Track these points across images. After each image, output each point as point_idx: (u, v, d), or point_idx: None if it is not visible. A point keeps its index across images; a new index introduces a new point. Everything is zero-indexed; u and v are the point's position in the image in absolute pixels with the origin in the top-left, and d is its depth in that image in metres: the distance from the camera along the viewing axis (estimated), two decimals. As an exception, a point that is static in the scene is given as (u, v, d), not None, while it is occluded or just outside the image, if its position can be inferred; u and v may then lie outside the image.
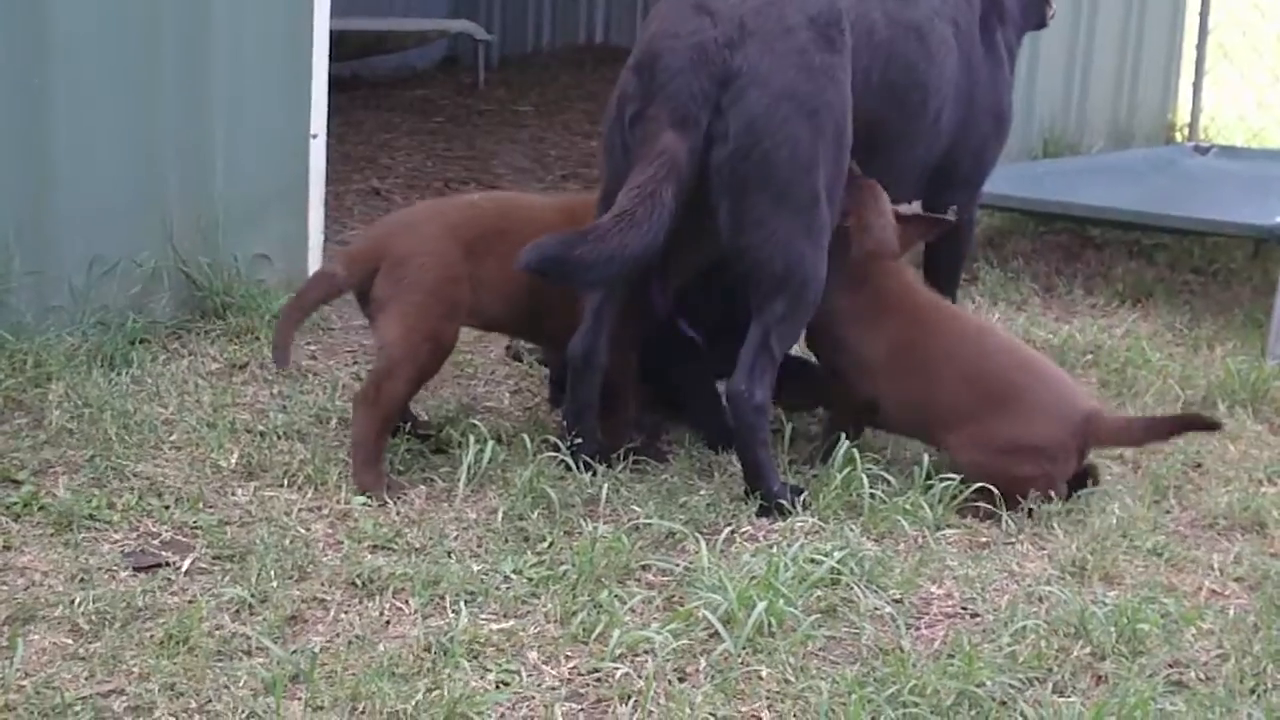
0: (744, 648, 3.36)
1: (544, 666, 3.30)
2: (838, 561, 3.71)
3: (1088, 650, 3.51)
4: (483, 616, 3.49)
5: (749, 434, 4.15)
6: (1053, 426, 4.24)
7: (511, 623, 3.47)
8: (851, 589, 3.66)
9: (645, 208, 3.98)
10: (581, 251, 3.95)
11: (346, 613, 3.49)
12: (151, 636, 3.30)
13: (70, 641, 3.28)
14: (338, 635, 3.38)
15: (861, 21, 4.32)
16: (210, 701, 3.07)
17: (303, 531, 3.86)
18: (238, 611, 3.44)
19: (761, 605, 3.45)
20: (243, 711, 3.04)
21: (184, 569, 3.63)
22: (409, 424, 4.48)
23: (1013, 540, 4.09)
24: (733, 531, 3.97)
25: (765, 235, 4.11)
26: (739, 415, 4.15)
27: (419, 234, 4.43)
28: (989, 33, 4.90)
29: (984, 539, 4.09)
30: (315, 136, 5.56)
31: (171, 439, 4.32)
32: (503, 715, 3.11)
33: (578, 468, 4.22)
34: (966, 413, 4.27)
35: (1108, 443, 4.44)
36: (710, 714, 3.13)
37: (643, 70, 4.15)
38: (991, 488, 4.15)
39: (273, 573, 3.58)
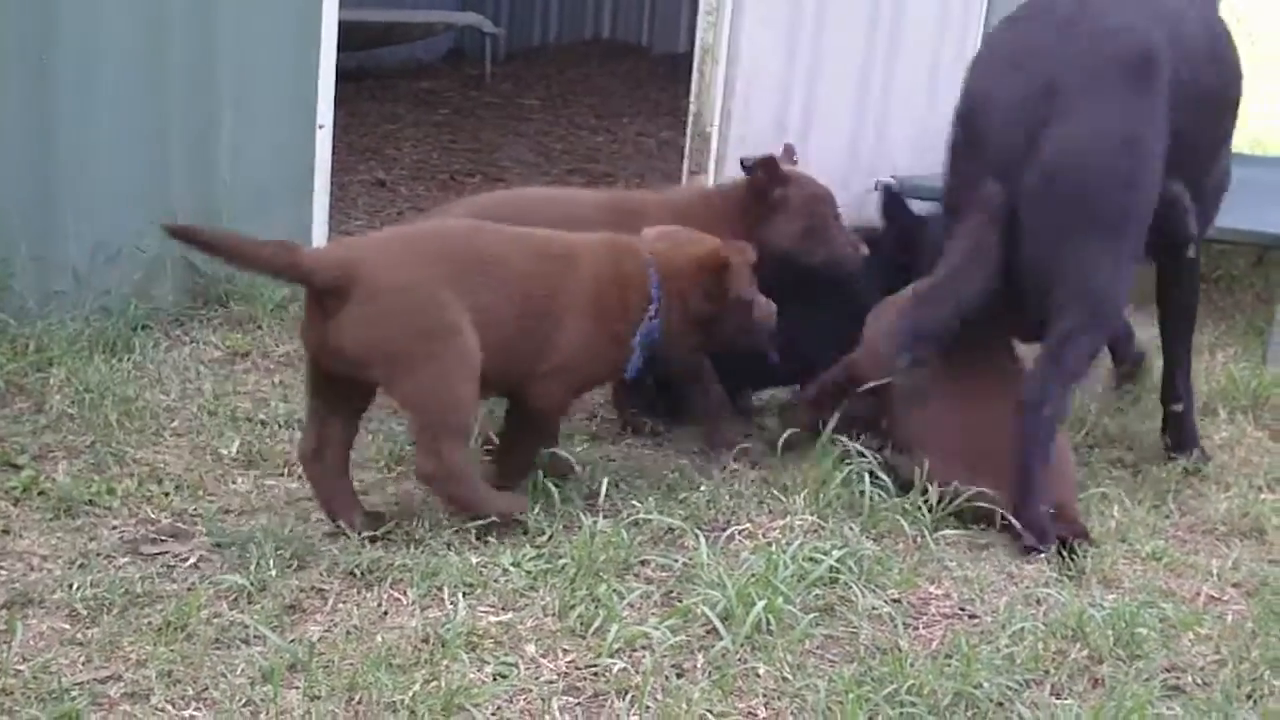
0: (742, 645, 3.36)
1: (542, 660, 3.30)
2: (836, 560, 3.71)
3: (1085, 653, 3.51)
4: (481, 609, 3.49)
5: (1031, 444, 4.16)
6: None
7: (509, 615, 3.47)
8: (850, 588, 3.66)
9: (973, 258, 4.22)
10: (922, 314, 4.24)
11: (345, 603, 3.49)
12: (150, 623, 3.30)
13: (68, 627, 3.28)
14: (336, 625, 3.38)
15: (1177, 48, 4.33)
16: (208, 689, 3.07)
17: (302, 521, 3.86)
18: (236, 599, 3.44)
19: (760, 603, 3.45)
20: (240, 699, 3.04)
21: (183, 556, 3.64)
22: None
23: (1011, 542, 4.08)
24: (732, 529, 3.96)
25: (1068, 253, 4.20)
26: (1027, 426, 4.16)
27: None
28: None
29: (983, 540, 4.09)
30: (322, 127, 5.57)
31: (172, 426, 4.32)
32: (500, 708, 3.11)
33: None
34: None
35: None
36: (707, 710, 3.13)
37: (965, 123, 4.37)
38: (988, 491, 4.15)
39: (272, 561, 3.58)
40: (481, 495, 3.82)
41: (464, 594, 3.52)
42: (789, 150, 4.91)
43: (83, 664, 3.14)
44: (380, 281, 3.65)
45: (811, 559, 3.71)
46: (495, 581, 3.61)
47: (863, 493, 4.12)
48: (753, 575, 3.60)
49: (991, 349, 4.51)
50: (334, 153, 5.74)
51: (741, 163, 4.68)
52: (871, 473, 4.18)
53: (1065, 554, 3.98)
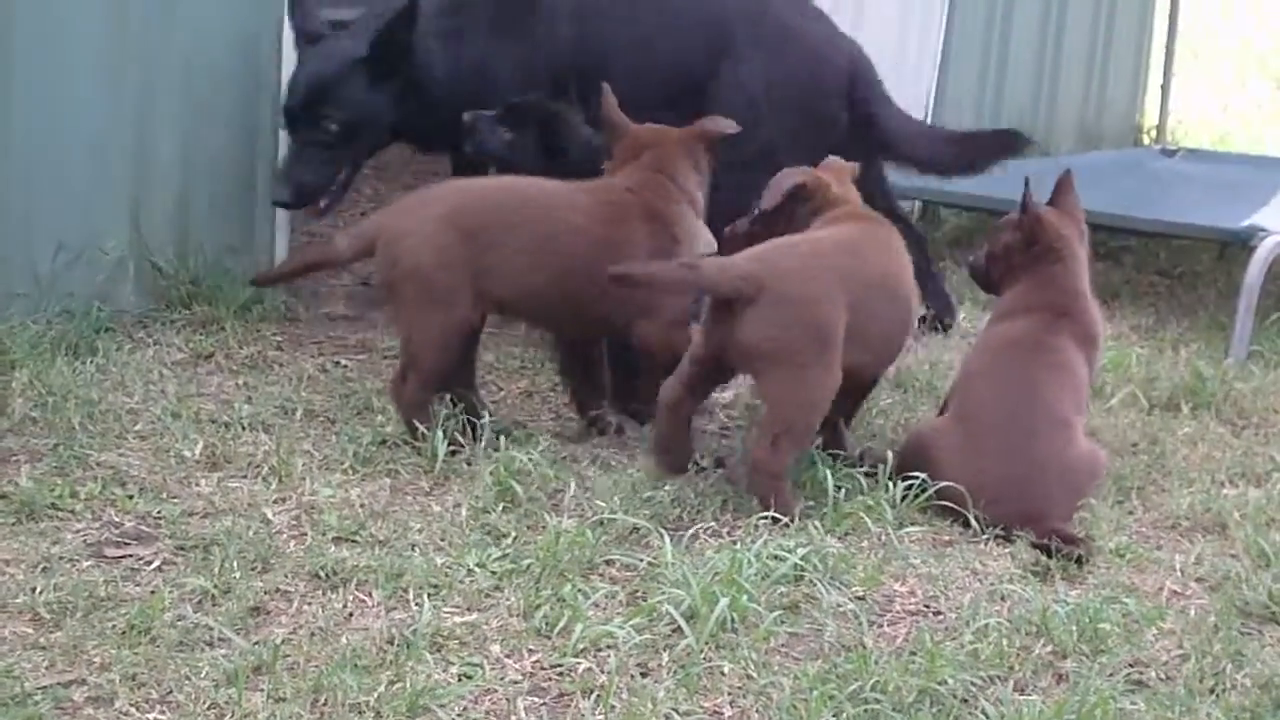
0: (706, 643, 3.37)
1: (507, 660, 3.30)
2: (801, 558, 3.72)
3: (1049, 649, 3.52)
4: (446, 609, 3.49)
5: None
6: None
7: (474, 616, 3.47)
8: (814, 586, 3.67)
9: None
10: None
11: (309, 604, 3.48)
12: (113, 626, 3.29)
13: (31, 631, 3.27)
14: (300, 627, 3.37)
15: None
16: (172, 692, 3.07)
17: (266, 523, 3.85)
18: (200, 602, 3.43)
19: (724, 601, 3.45)
20: (204, 702, 3.03)
21: (147, 559, 3.63)
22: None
23: (976, 539, 4.09)
24: (697, 527, 3.97)
25: None
26: None
27: None
28: None
29: (947, 537, 4.10)
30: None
31: (136, 429, 4.30)
32: (465, 709, 3.11)
33: None
34: None
35: None
36: (672, 709, 3.13)
37: None
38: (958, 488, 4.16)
39: (236, 564, 3.57)
40: (788, 500, 4.05)
41: (429, 595, 3.52)
42: None
43: (46, 668, 3.13)
44: (785, 292, 4.03)
45: (776, 557, 3.71)
46: (460, 582, 3.61)
47: (825, 490, 4.12)
48: (717, 573, 3.60)
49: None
50: (297, 153, 5.70)
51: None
52: (834, 470, 4.19)
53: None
